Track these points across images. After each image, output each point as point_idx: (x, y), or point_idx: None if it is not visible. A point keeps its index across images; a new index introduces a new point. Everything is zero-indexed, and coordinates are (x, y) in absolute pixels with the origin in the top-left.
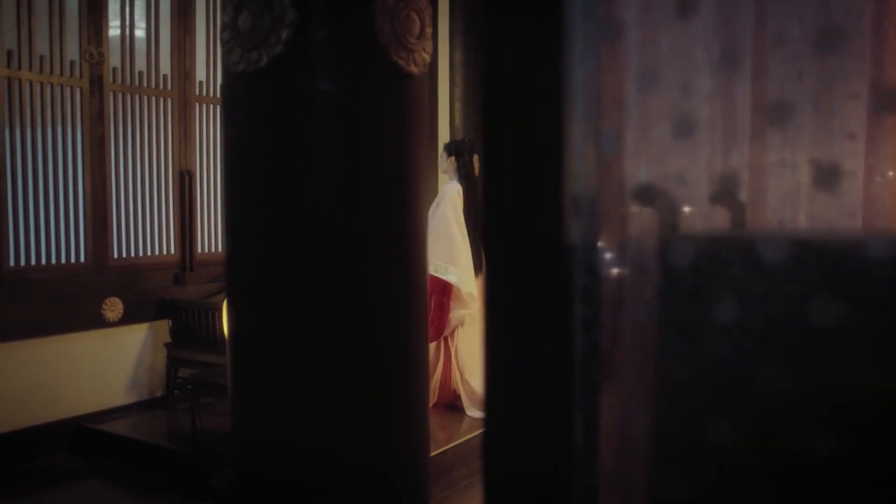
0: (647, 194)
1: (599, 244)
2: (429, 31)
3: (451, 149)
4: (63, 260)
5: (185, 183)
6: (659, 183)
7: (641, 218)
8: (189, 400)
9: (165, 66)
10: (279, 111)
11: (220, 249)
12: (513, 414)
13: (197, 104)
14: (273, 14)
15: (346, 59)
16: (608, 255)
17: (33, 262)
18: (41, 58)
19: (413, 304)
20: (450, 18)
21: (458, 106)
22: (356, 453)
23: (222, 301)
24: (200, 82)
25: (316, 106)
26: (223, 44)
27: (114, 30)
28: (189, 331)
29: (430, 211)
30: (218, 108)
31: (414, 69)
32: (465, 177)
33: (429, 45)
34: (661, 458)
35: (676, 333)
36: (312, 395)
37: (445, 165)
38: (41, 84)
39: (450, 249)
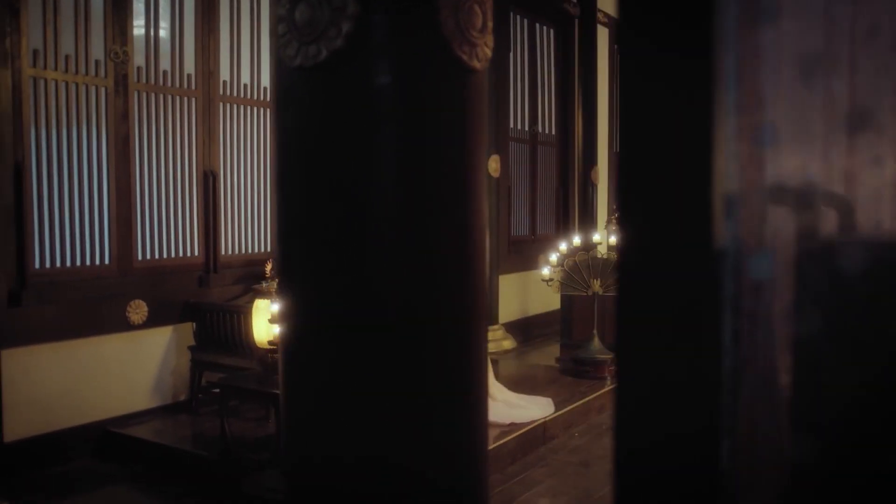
0: (808, 194)
1: (753, 249)
2: (490, 24)
3: None
4: (88, 262)
5: (209, 184)
6: (822, 182)
7: (800, 220)
8: (214, 404)
9: (189, 66)
10: (337, 108)
11: (243, 251)
12: (649, 435)
13: (221, 104)
14: (332, 6)
15: (408, 54)
16: (762, 261)
17: (58, 264)
18: (66, 57)
19: (473, 310)
20: None
21: None
22: (417, 463)
23: (248, 304)
24: (224, 82)
25: (376, 103)
26: (278, 37)
27: (138, 29)
28: (213, 334)
29: None
30: (241, 108)
31: (477, 64)
32: None
33: (490, 39)
34: (827, 485)
35: (844, 347)
36: (371, 407)
37: None
38: (66, 83)
39: None
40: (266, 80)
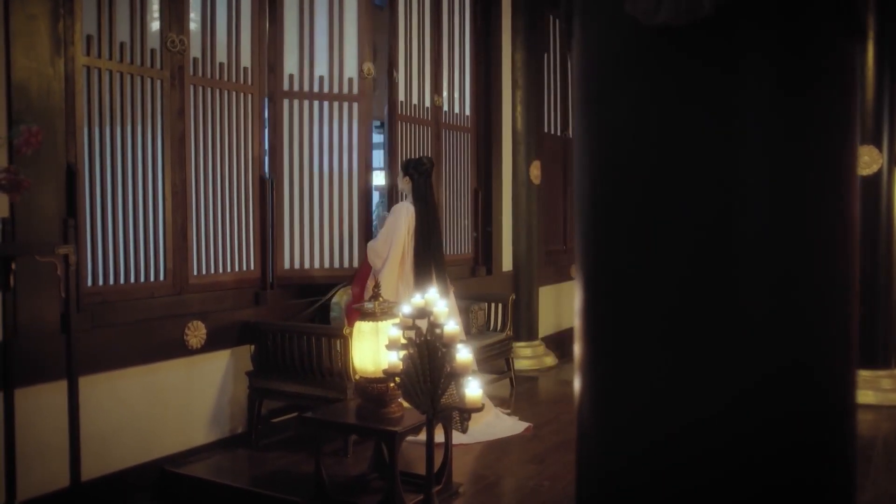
0: None
1: None
2: None
3: (406, 169)
4: (142, 279)
5: (265, 189)
6: None
7: None
8: (272, 435)
9: (246, 59)
10: (714, 81)
11: (303, 266)
12: None
13: (286, 100)
14: None
15: (811, 14)
16: None
17: (111, 282)
18: (121, 45)
19: (847, 327)
20: (512, 19)
21: (520, 109)
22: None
23: (309, 321)
24: (291, 75)
25: (769, 77)
26: None
27: (194, 19)
28: (276, 358)
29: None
30: (308, 103)
31: (866, 31)
32: (420, 198)
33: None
34: None
35: None
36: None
37: (402, 185)
38: (121, 74)
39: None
40: (351, 70)
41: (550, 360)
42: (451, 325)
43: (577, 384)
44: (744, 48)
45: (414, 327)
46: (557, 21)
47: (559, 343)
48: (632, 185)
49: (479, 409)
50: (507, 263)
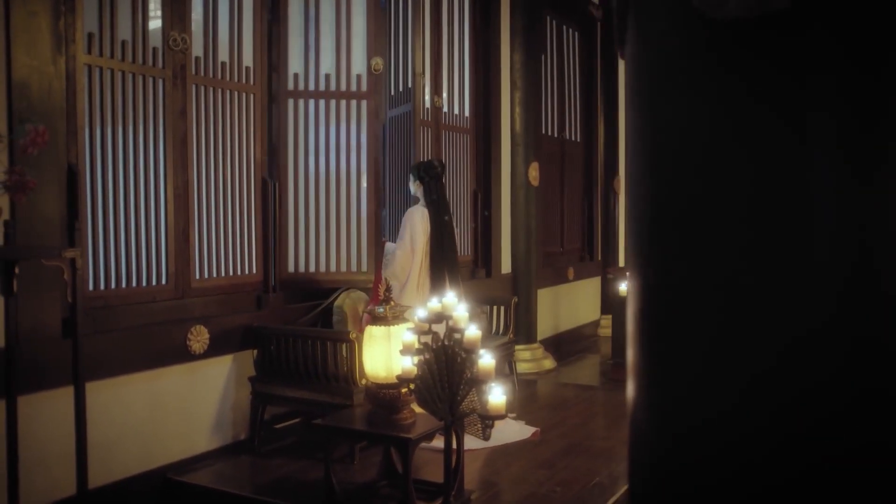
0: None
1: None
2: None
3: (417, 173)
4: (144, 282)
5: (268, 191)
6: None
7: None
8: (275, 442)
9: (249, 58)
10: (782, 79)
11: (309, 269)
12: None
13: (290, 100)
14: None
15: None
16: None
17: (113, 285)
18: (123, 43)
19: None
20: (511, 19)
21: (518, 110)
22: None
23: (312, 325)
24: (295, 74)
25: (841, 75)
26: None
27: (196, 15)
28: (280, 363)
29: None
30: (314, 102)
31: None
32: (432, 201)
33: None
34: None
35: None
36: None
37: (414, 189)
38: (123, 73)
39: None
40: (360, 66)
41: (549, 362)
42: (472, 330)
43: (630, 388)
44: (816, 45)
45: (430, 332)
46: (555, 22)
47: (557, 345)
48: (690, 186)
49: (502, 417)
50: (505, 265)
